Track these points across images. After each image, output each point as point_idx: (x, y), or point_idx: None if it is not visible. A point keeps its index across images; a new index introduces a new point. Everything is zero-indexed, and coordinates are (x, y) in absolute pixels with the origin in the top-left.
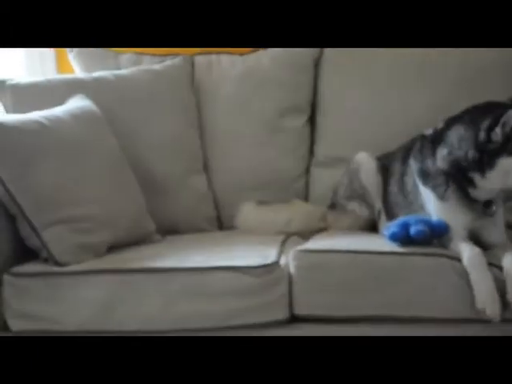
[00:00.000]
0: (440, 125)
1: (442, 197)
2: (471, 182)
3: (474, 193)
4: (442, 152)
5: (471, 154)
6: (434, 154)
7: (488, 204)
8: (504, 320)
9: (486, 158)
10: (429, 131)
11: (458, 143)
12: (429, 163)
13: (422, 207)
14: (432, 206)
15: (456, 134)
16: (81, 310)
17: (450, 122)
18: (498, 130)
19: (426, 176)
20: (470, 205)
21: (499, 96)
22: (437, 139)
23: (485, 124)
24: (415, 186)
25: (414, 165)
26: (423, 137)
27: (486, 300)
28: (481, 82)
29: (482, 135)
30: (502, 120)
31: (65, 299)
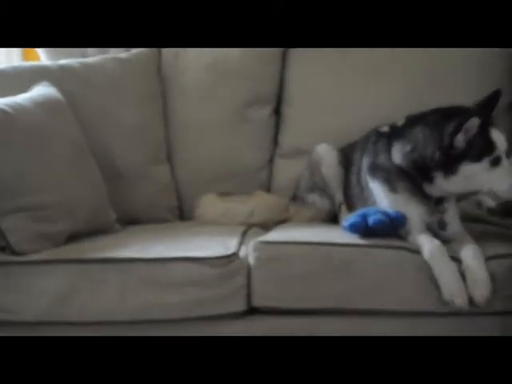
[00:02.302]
0: (400, 122)
1: (392, 189)
2: (430, 180)
3: (429, 189)
4: (403, 148)
5: (437, 155)
6: (389, 149)
7: (439, 201)
8: (466, 313)
9: (449, 162)
10: (384, 128)
11: (424, 143)
12: (382, 158)
13: (375, 204)
14: (384, 199)
15: (421, 133)
16: (38, 300)
17: (413, 121)
18: (460, 136)
19: (376, 170)
20: (421, 199)
21: (469, 88)
22: (395, 136)
23: (449, 129)
24: (367, 182)
25: (365, 161)
26: (378, 133)
27: (453, 291)
28: (450, 74)
29: (446, 140)
30: (465, 126)
31: (22, 289)
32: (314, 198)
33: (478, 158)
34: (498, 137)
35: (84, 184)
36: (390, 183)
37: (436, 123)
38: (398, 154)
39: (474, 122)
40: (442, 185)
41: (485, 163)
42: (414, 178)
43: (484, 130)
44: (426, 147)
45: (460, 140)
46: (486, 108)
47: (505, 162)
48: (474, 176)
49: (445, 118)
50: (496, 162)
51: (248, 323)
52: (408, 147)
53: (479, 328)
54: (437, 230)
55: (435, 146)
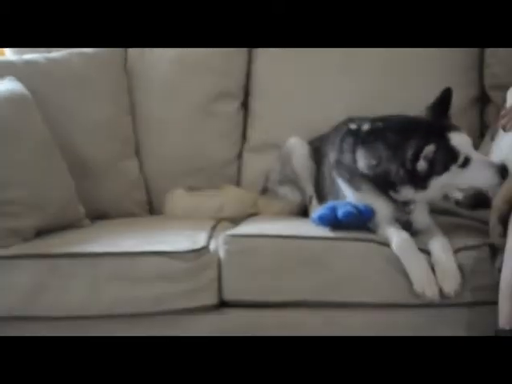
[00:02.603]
0: (365, 126)
1: (356, 188)
2: (397, 191)
3: (395, 195)
4: (368, 160)
5: (402, 173)
6: (354, 150)
7: (406, 202)
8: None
9: (417, 180)
10: (353, 125)
11: (387, 163)
12: (347, 157)
13: (345, 197)
14: (350, 196)
15: (383, 152)
16: (8, 296)
17: (376, 133)
18: (421, 162)
19: (341, 167)
20: (387, 198)
21: (434, 85)
22: (359, 141)
23: (408, 154)
24: (335, 177)
25: (332, 155)
26: (347, 129)
27: (423, 282)
28: (417, 70)
29: (408, 165)
30: (423, 154)
31: None
32: (285, 191)
33: (444, 170)
34: (459, 141)
35: (51, 179)
36: (354, 183)
37: (396, 146)
38: (363, 162)
39: (430, 149)
40: (414, 196)
41: (454, 170)
42: (380, 186)
43: (443, 145)
44: (390, 167)
45: (421, 165)
46: (441, 109)
47: (474, 156)
48: (447, 184)
49: (403, 139)
50: (465, 163)
51: (219, 317)
52: (373, 161)
53: (448, 319)
54: (404, 225)
55: (398, 167)
